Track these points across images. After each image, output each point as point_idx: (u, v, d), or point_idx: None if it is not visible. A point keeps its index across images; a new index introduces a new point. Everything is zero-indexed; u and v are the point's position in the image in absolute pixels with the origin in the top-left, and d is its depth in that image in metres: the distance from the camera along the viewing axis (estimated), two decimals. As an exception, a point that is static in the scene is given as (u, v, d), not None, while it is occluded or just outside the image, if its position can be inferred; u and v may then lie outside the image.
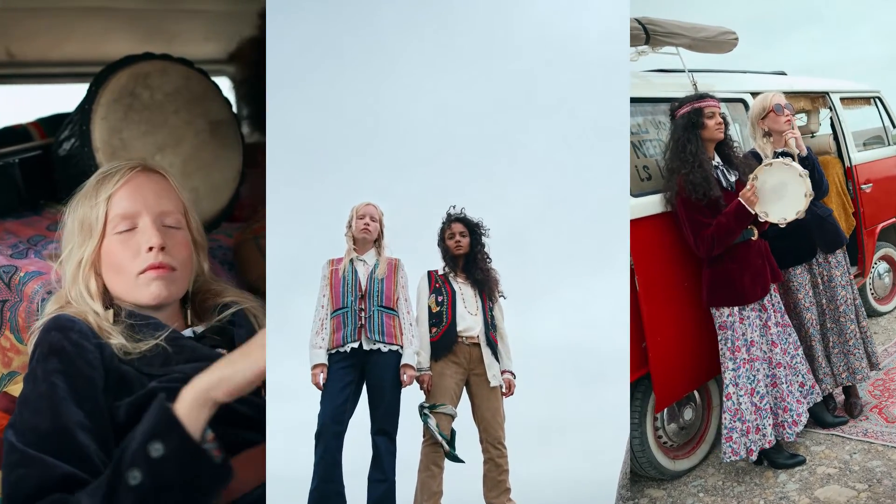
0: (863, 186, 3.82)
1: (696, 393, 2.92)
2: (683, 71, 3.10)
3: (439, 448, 2.49)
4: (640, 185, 2.76)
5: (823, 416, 2.95)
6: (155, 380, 1.57)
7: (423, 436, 2.54)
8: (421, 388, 2.58)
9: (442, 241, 2.77)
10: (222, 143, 2.17)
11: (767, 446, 2.66)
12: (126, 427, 1.48)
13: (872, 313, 4.03)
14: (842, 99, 3.88)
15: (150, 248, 1.69)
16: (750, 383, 2.65)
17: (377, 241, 2.69)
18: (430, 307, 2.68)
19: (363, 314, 2.54)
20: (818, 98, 3.84)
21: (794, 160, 2.79)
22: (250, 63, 2.09)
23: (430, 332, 2.64)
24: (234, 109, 2.15)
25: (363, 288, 2.58)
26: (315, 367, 2.50)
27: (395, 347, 2.53)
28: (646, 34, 3.02)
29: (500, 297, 2.75)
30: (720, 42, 3.37)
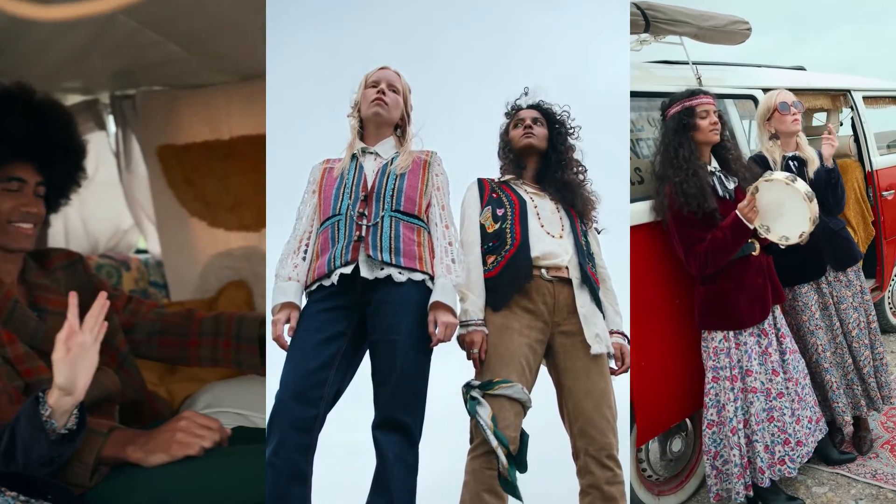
0: (884, 193, 3.55)
1: (687, 421, 2.64)
2: (687, 63, 2.80)
3: (496, 461, 1.54)
4: (632, 188, 2.46)
5: (829, 451, 2.65)
6: None
7: (472, 439, 1.61)
8: (468, 356, 1.64)
9: (504, 136, 1.95)
10: None
11: (759, 485, 2.37)
12: None
13: (890, 329, 3.78)
14: (865, 97, 3.59)
15: None
16: (744, 415, 2.36)
17: (399, 128, 1.82)
18: (483, 227, 1.77)
19: (365, 221, 1.61)
20: (839, 96, 3.54)
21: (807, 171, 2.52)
22: None
23: (486, 263, 1.71)
24: None
25: (369, 185, 1.66)
26: (279, 309, 1.57)
27: (418, 276, 1.58)
28: (645, 21, 2.72)
29: (594, 226, 1.97)
30: (730, 32, 3.07)
